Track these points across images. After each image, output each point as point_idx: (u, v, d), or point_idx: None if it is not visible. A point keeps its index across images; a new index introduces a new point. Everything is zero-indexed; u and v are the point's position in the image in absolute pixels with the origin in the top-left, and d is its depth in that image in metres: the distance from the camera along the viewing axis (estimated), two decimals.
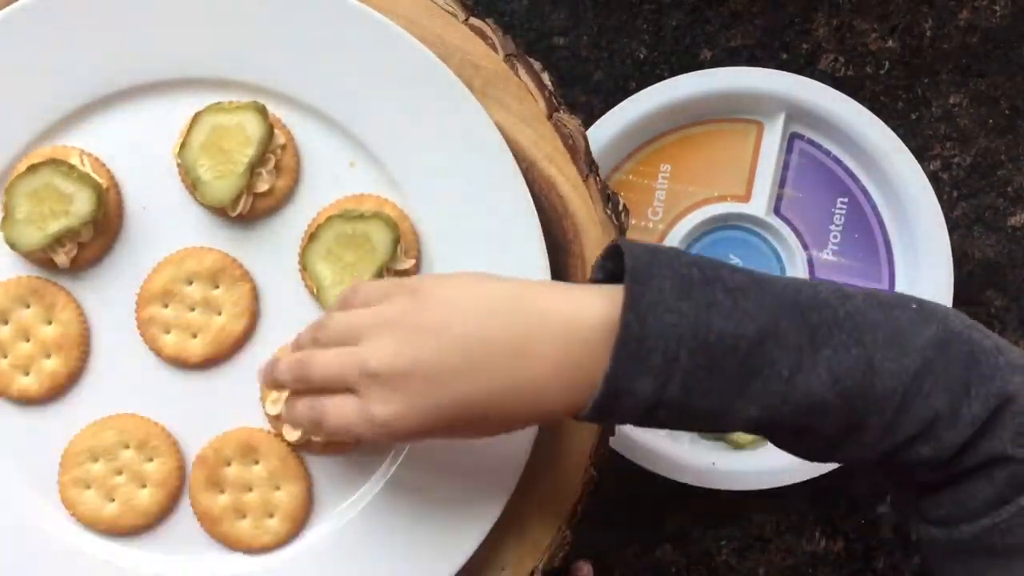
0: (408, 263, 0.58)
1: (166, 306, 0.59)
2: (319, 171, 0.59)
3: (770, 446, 0.76)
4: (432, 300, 0.48)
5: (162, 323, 0.59)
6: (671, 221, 0.77)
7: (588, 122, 0.77)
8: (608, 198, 0.60)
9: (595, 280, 0.51)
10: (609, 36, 0.78)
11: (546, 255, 0.58)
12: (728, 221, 0.77)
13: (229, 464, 0.59)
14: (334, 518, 0.59)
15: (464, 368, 0.47)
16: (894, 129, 0.75)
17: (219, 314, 0.59)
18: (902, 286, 0.77)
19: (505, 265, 0.57)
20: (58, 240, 0.56)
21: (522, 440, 0.58)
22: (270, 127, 0.57)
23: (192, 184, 0.57)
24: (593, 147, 0.73)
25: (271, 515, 0.59)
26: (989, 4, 0.78)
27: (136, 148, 0.59)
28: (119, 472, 0.59)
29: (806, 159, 0.77)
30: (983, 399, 0.45)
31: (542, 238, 0.58)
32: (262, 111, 0.57)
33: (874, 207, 0.77)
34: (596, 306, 0.46)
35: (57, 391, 0.59)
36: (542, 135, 0.59)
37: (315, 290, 0.58)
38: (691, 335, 0.45)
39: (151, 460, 0.59)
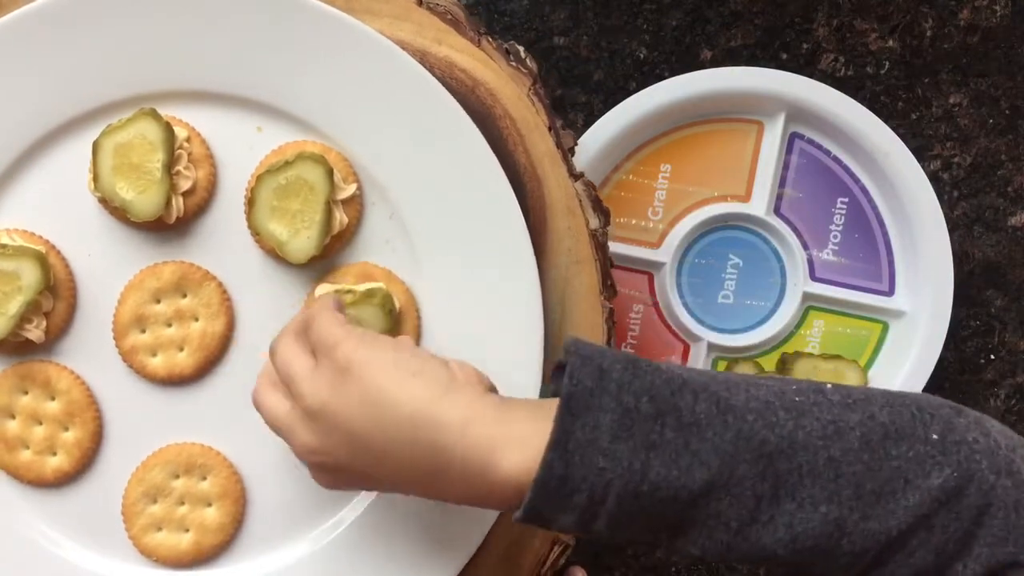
0: (350, 189, 0.58)
1: (143, 331, 0.59)
2: (232, 148, 0.59)
3: None
4: (353, 395, 0.45)
5: (145, 348, 0.59)
6: (671, 221, 0.77)
7: (588, 121, 0.77)
8: (508, 52, 0.60)
9: (556, 372, 0.48)
10: (609, 36, 0.77)
11: (473, 125, 0.58)
12: (728, 221, 0.77)
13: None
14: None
15: (375, 470, 0.46)
16: (894, 129, 0.75)
17: (196, 320, 0.59)
18: (902, 286, 0.77)
19: (448, 152, 0.58)
20: (24, 318, 0.56)
21: None
22: (167, 125, 0.57)
23: (121, 209, 0.57)
24: (593, 146, 0.73)
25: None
26: (989, 4, 0.78)
27: (54, 203, 0.59)
28: (181, 502, 0.59)
29: (806, 159, 0.77)
30: (984, 560, 0.40)
31: (461, 110, 0.58)
32: (153, 114, 0.57)
33: (874, 207, 0.77)
34: (518, 444, 0.43)
35: (88, 457, 0.59)
36: (420, 23, 0.59)
37: (278, 248, 0.57)
38: (622, 482, 0.41)
39: (205, 478, 0.59)
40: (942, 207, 0.76)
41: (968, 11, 0.78)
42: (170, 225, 0.58)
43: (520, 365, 0.58)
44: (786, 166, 0.77)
